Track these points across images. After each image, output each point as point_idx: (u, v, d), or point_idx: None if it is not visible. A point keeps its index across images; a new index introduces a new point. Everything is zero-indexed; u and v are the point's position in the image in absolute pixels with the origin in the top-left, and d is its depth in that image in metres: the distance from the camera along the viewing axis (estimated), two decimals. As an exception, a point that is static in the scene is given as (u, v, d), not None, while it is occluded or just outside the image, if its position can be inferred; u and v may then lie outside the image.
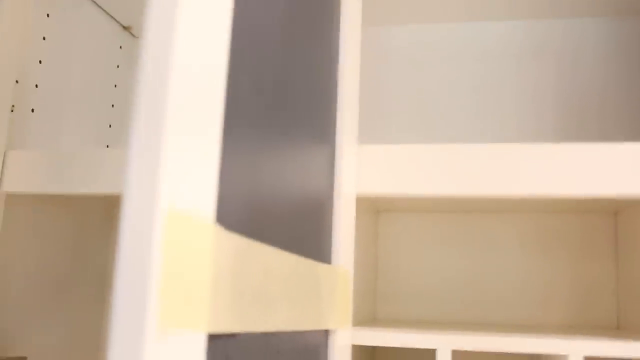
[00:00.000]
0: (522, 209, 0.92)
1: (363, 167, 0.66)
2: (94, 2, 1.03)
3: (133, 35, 1.14)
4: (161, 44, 0.31)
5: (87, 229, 0.97)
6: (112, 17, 1.08)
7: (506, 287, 0.94)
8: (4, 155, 0.79)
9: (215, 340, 0.36)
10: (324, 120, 0.59)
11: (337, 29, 0.65)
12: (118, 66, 1.11)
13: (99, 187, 0.75)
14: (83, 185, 0.76)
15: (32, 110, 0.90)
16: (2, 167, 0.79)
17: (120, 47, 1.11)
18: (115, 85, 1.09)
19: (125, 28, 1.12)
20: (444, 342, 0.64)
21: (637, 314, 0.82)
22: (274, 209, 0.47)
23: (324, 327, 0.56)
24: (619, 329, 0.90)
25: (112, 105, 1.08)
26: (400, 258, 0.97)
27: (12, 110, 0.85)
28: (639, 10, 0.98)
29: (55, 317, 0.91)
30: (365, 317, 0.89)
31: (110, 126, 1.07)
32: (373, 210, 0.96)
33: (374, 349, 0.96)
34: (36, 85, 0.91)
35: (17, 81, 0.86)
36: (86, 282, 0.97)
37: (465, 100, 1.01)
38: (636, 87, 0.97)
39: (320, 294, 0.54)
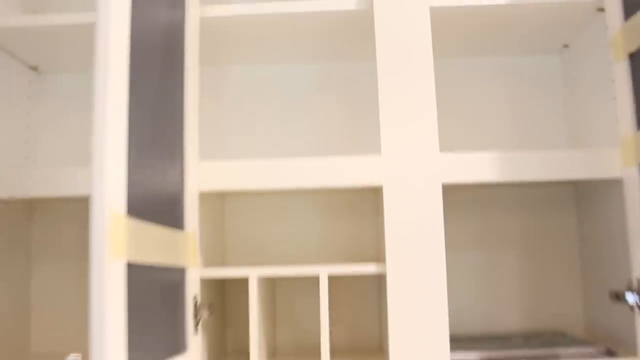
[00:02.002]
0: (319, 192, 1.43)
1: (202, 174, 1.14)
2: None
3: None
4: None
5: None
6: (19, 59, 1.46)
7: (295, 246, 1.45)
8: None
9: (132, 266, 0.82)
10: (178, 144, 1.06)
11: (182, 75, 1.10)
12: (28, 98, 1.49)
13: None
14: None
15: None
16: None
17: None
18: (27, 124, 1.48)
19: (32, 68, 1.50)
20: (253, 272, 1.13)
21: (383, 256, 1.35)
22: (155, 200, 0.93)
23: (182, 265, 1.03)
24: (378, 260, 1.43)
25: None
26: (242, 227, 1.46)
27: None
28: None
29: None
30: (215, 264, 1.37)
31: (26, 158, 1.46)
32: (220, 197, 1.43)
33: (223, 285, 1.44)
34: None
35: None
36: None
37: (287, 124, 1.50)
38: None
39: (180, 247, 1.01)
